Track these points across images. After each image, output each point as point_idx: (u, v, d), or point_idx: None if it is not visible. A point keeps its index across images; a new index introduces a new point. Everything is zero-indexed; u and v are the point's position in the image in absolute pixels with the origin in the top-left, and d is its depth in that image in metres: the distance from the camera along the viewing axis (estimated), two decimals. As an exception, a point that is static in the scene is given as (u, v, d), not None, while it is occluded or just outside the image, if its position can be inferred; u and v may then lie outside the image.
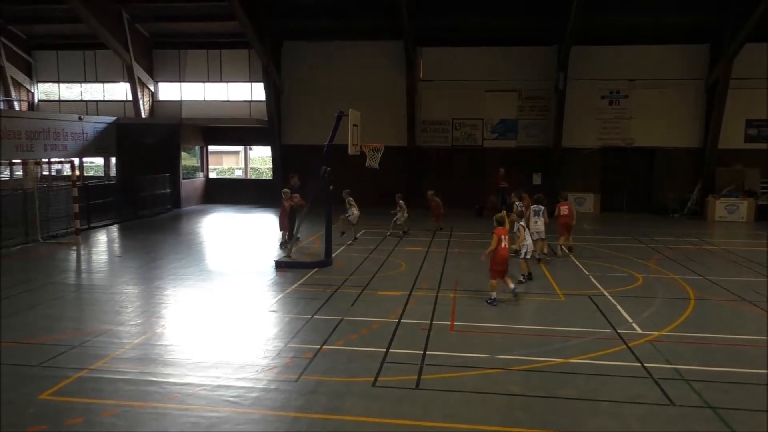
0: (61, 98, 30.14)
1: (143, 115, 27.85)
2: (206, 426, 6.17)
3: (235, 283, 12.42)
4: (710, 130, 24.85)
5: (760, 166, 24.63)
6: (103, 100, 29.64)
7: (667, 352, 8.32)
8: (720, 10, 23.52)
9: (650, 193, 25.63)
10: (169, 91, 29.19)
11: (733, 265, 14.67)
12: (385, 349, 8.32)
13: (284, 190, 16.57)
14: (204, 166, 29.24)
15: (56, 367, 7.63)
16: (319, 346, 8.43)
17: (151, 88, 28.72)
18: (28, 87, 29.84)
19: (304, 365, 7.73)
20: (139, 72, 27.55)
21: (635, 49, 25.31)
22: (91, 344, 8.53)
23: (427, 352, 8.25)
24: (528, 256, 12.50)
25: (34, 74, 29.97)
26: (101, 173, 29.15)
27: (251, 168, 33.19)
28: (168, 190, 24.99)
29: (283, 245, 15.90)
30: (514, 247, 12.30)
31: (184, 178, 26.84)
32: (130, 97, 28.02)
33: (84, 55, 29.19)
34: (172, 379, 7.31)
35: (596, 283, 12.47)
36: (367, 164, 15.19)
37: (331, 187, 14.43)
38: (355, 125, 14.08)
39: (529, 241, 12.39)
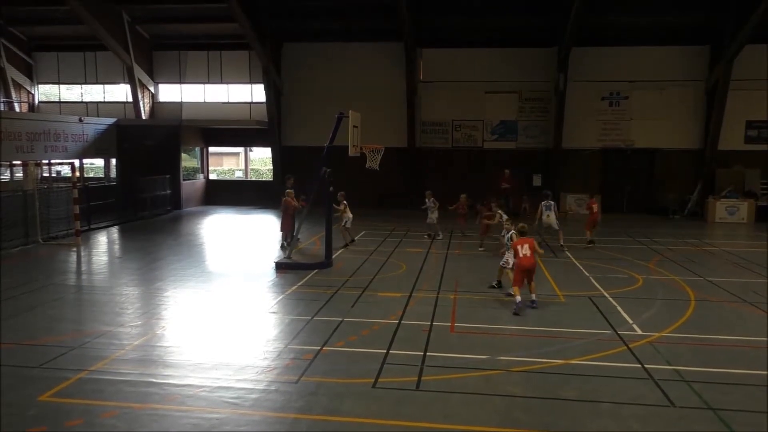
0: (62, 100, 30.17)
1: (143, 117, 27.86)
2: (206, 427, 6.17)
3: (236, 285, 12.42)
4: (710, 131, 24.87)
5: (760, 167, 24.65)
6: (104, 102, 29.67)
7: (668, 354, 8.32)
8: (720, 12, 23.55)
9: (650, 195, 25.62)
10: (169, 92, 29.21)
11: (734, 267, 14.66)
12: (385, 351, 8.31)
13: (287, 190, 16.54)
14: (204, 168, 29.24)
15: (56, 369, 7.62)
16: (319, 348, 8.42)
17: (152, 89, 28.74)
18: (29, 88, 29.86)
19: (305, 366, 7.72)
20: (140, 73, 27.56)
21: (635, 51, 25.33)
22: (91, 345, 8.52)
23: (428, 354, 8.24)
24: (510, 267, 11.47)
25: (34, 76, 30.00)
26: (101, 175, 29.16)
27: (251, 169, 33.19)
28: (168, 192, 24.99)
29: (283, 246, 15.87)
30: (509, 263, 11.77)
31: (184, 180, 26.85)
32: (130, 99, 28.04)
33: (84, 56, 29.22)
34: (172, 381, 7.30)
35: (596, 285, 12.47)
36: (367, 165, 15.20)
37: (331, 188, 14.44)
38: (355, 126, 14.08)
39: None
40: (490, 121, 26.64)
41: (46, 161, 21.68)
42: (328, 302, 10.93)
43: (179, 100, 28.92)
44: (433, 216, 18.13)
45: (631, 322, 9.84)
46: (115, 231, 20.18)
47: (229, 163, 37.73)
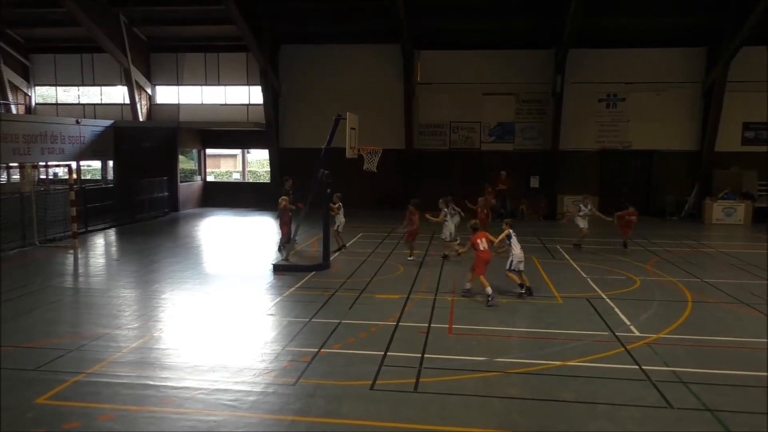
0: (59, 101, 30.14)
1: (141, 119, 27.84)
2: (204, 429, 6.16)
3: (233, 287, 12.41)
4: (707, 132, 24.93)
5: (758, 168, 24.70)
6: (101, 104, 29.64)
7: (665, 355, 8.33)
8: (717, 13, 23.61)
9: (648, 196, 25.66)
10: (166, 94, 29.19)
11: (731, 268, 14.69)
12: (383, 353, 8.31)
13: (282, 195, 16.46)
14: (201, 170, 29.22)
15: (53, 371, 7.61)
16: (316, 350, 8.42)
17: (149, 91, 28.72)
18: (26, 90, 29.83)
19: (302, 369, 7.72)
20: (137, 75, 27.55)
21: (632, 52, 25.38)
22: (89, 348, 8.51)
23: (426, 355, 8.24)
24: (515, 268, 11.65)
25: (31, 77, 29.97)
26: (98, 177, 29.12)
27: (249, 171, 33.21)
28: (165, 194, 24.96)
29: (281, 249, 15.83)
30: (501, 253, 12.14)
31: (181, 182, 26.83)
32: (127, 101, 28.01)
33: (81, 58, 29.20)
34: (169, 383, 7.29)
35: (594, 286, 12.48)
36: (364, 167, 15.20)
37: (328, 190, 14.44)
38: (352, 128, 14.09)
39: (517, 251, 11.63)
40: (488, 123, 26.67)
41: (43, 163, 21.61)
42: (325, 304, 10.93)
43: (176, 102, 28.91)
44: (452, 226, 15.53)
45: (628, 323, 9.85)
46: (112, 233, 20.15)
47: (227, 165, 37.77)
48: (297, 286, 12.37)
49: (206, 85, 28.54)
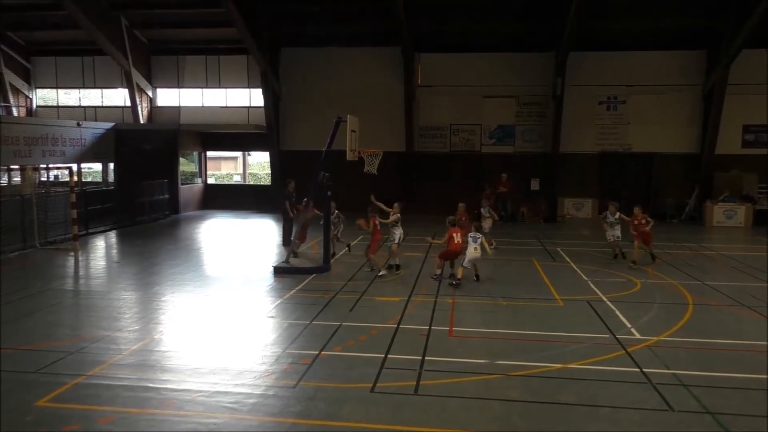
0: (60, 104, 30.17)
1: (141, 121, 27.86)
2: (204, 432, 6.15)
3: (234, 289, 12.40)
4: (707, 135, 24.92)
5: (758, 171, 24.69)
6: (102, 106, 29.67)
7: (666, 358, 8.31)
8: (716, 16, 23.62)
9: (648, 199, 25.64)
10: (167, 96, 29.22)
11: (732, 270, 14.67)
12: (383, 355, 8.30)
13: (288, 199, 16.26)
14: (202, 172, 29.24)
15: (53, 374, 7.60)
16: (317, 352, 8.41)
17: (150, 94, 28.74)
18: (27, 93, 29.86)
19: (303, 371, 7.71)
20: (138, 78, 27.57)
21: (632, 55, 25.39)
22: (89, 350, 8.50)
23: (426, 358, 8.23)
24: (466, 265, 12.67)
25: (32, 80, 30.00)
26: (99, 179, 29.12)
27: (249, 173, 33.21)
28: (166, 196, 24.97)
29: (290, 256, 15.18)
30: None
31: (182, 184, 26.83)
32: (128, 103, 28.03)
33: (82, 61, 29.23)
34: (169, 386, 7.28)
35: (595, 289, 12.47)
36: (365, 170, 15.19)
37: (329, 193, 14.43)
38: (353, 131, 14.09)
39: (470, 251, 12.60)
40: (488, 126, 26.68)
41: (44, 166, 21.62)
42: (326, 306, 10.92)
43: (177, 105, 28.93)
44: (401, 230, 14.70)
45: (629, 326, 9.83)
46: (113, 235, 20.15)
47: (228, 167, 37.75)
48: (297, 288, 12.36)
49: (207, 87, 28.57)
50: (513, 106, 26.46)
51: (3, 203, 16.90)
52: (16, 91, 29.47)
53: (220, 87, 28.50)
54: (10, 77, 28.87)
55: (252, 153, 31.58)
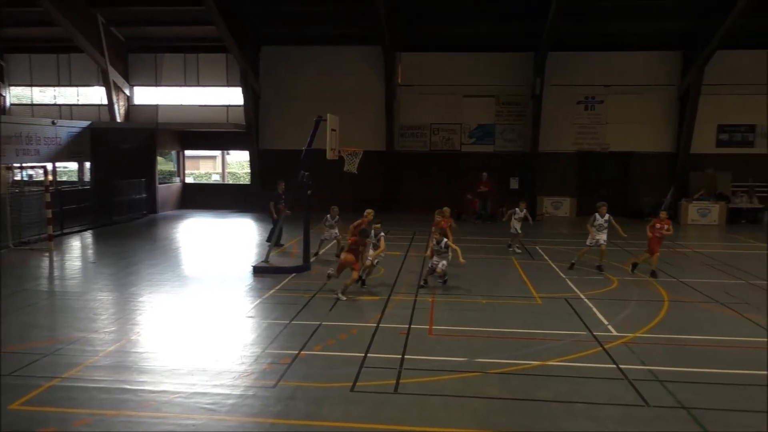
0: (34, 102, 29.65)
1: (118, 120, 27.50)
2: (182, 434, 6.10)
3: (212, 289, 12.31)
4: (683, 135, 25.31)
5: (732, 170, 25.12)
6: (78, 104, 29.22)
7: (642, 354, 8.44)
8: (692, 18, 23.96)
9: (625, 198, 25.95)
10: (145, 95, 28.89)
11: (706, 268, 14.92)
12: (363, 354, 8.30)
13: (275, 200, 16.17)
14: (180, 171, 28.96)
15: (28, 376, 7.48)
16: (297, 352, 8.39)
17: (127, 92, 28.39)
18: (0, 91, 29.30)
19: (282, 371, 7.68)
20: (114, 76, 27.22)
21: (610, 56, 25.69)
22: (64, 352, 8.38)
23: (406, 357, 8.26)
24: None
25: (6, 77, 29.44)
26: (75, 178, 28.70)
27: (229, 173, 32.98)
28: (144, 195, 24.70)
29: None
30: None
31: (160, 183, 26.55)
32: (105, 101, 27.66)
33: (58, 58, 28.75)
34: (147, 387, 7.21)
35: (572, 286, 12.60)
36: (345, 169, 15.18)
37: (309, 192, 14.40)
38: (333, 130, 14.06)
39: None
40: (468, 125, 26.81)
41: (18, 165, 21.25)
42: (305, 306, 10.90)
43: (155, 103, 28.61)
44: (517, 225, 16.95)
45: (606, 323, 9.96)
46: (88, 235, 19.87)
47: (206, 166, 37.48)
48: (277, 288, 12.31)
49: (185, 85, 28.30)
50: (493, 106, 26.62)
51: (-25, 203, 16.57)
52: (-11, 89, 28.92)
53: (198, 85, 28.24)
54: (-17, 75, 28.34)
55: (231, 152, 31.35)
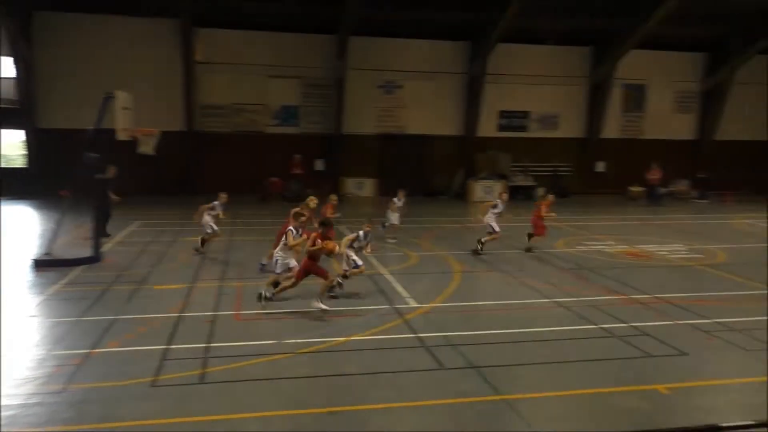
0: None
1: None
2: (-53, 457, 5.29)
3: (-18, 288, 10.75)
4: (469, 119, 27.70)
5: (512, 152, 28.06)
6: None
7: (438, 322, 9.16)
8: (479, 11, 25.87)
9: (421, 178, 27.67)
10: None
11: (490, 240, 16.51)
12: (165, 346, 7.89)
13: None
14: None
15: None
16: (89, 350, 7.69)
17: None
18: None
19: (72, 373, 7.00)
20: None
21: (408, 43, 27.08)
22: None
23: (212, 345, 8.02)
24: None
25: None
26: None
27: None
28: None
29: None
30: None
31: None
32: None
33: None
34: None
35: (376, 263, 13.15)
36: (140, 150, 14.12)
37: (102, 176, 13.18)
38: (125, 108, 12.99)
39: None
40: (273, 106, 26.52)
41: None
42: (98, 300, 10.02)
43: None
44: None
45: (406, 295, 10.61)
46: None
47: (-30, 147, 32.32)
48: (63, 282, 11.15)
49: (-63, 52, 24.05)
50: (298, 87, 26.62)
51: None
52: None
53: (-45, 52, 24.17)
54: None
55: (1, 131, 27.40)
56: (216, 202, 13.80)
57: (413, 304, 10.13)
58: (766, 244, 15.59)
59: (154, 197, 23.46)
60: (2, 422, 5.87)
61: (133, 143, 14.05)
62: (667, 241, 16.45)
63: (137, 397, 6.45)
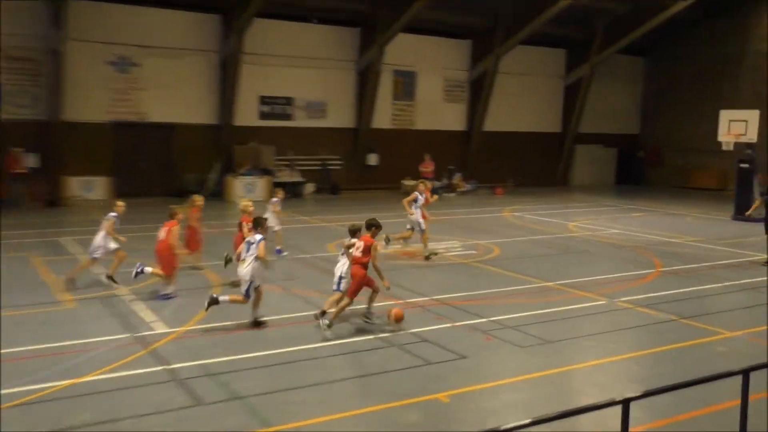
0: None
1: None
2: None
3: None
4: (225, 106, 27.18)
5: (275, 143, 28.20)
6: None
7: (193, 348, 8.81)
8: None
9: (168, 174, 26.41)
10: None
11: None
12: None
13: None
14: None
15: None
16: None
17: None
18: None
19: None
20: None
21: (144, 11, 25.60)
22: None
23: None
24: None
25: None
26: None
27: None
28: None
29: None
30: None
31: None
32: None
33: None
34: None
35: (108, 282, 12.13)
36: None
37: None
38: None
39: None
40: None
41: None
42: None
43: None
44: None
45: (154, 319, 10.02)
46: None
47: None
48: None
49: None
50: (-4, 61, 23.59)
51: None
52: None
53: None
54: None
55: None
56: None
57: (161, 329, 9.61)
58: (533, 237, 17.83)
59: None
60: None
61: None
62: (443, 238, 17.86)
63: None
